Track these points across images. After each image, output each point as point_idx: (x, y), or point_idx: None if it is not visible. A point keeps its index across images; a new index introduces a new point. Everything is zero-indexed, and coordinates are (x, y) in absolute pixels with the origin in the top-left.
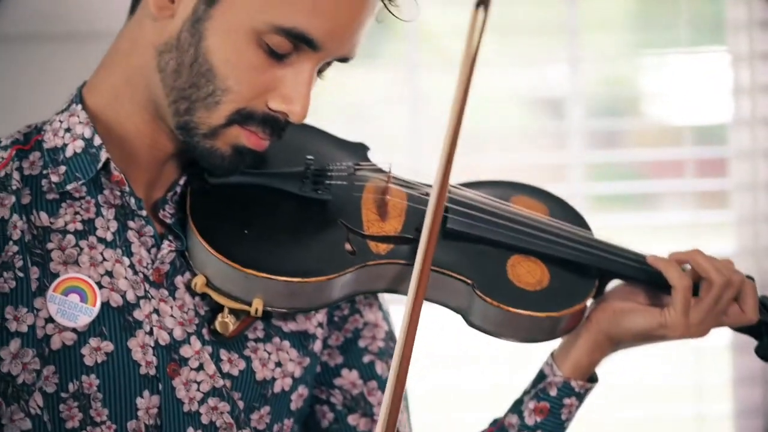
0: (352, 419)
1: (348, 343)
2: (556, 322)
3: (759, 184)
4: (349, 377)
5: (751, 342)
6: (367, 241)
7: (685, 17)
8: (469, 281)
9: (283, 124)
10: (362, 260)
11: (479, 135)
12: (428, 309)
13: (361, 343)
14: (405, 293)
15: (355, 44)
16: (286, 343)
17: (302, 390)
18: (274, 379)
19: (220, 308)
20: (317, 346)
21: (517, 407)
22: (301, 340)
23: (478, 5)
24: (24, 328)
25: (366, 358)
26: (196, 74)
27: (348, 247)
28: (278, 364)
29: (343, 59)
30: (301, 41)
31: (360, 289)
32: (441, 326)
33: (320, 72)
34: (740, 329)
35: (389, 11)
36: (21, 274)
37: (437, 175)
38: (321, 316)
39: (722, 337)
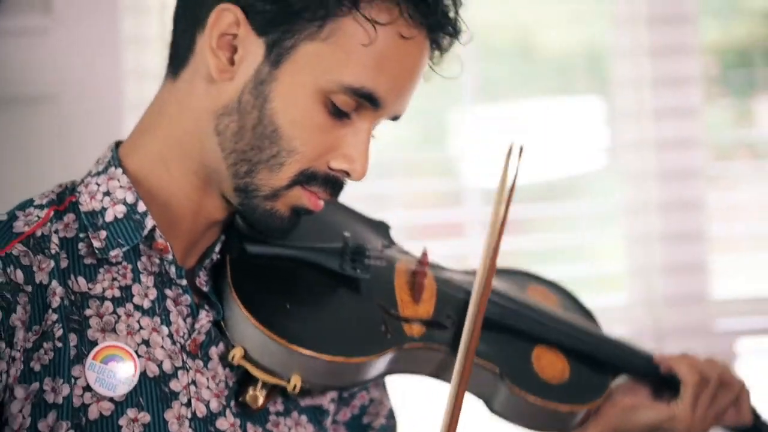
0: None
1: (354, 419)
2: (574, 415)
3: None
4: None
5: None
6: (402, 323)
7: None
8: (497, 370)
9: (342, 183)
10: (398, 342)
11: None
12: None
13: (366, 420)
14: (434, 376)
15: (408, 102)
16: (304, 418)
17: None
18: None
19: (249, 382)
20: (329, 421)
21: None
22: (316, 415)
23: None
24: (60, 400)
25: None
26: (260, 136)
27: (384, 328)
28: None
29: (395, 117)
30: (366, 99)
31: (392, 369)
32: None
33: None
34: (734, 429)
35: (434, 70)
36: (59, 344)
37: (481, 269)
38: (334, 393)
39: None
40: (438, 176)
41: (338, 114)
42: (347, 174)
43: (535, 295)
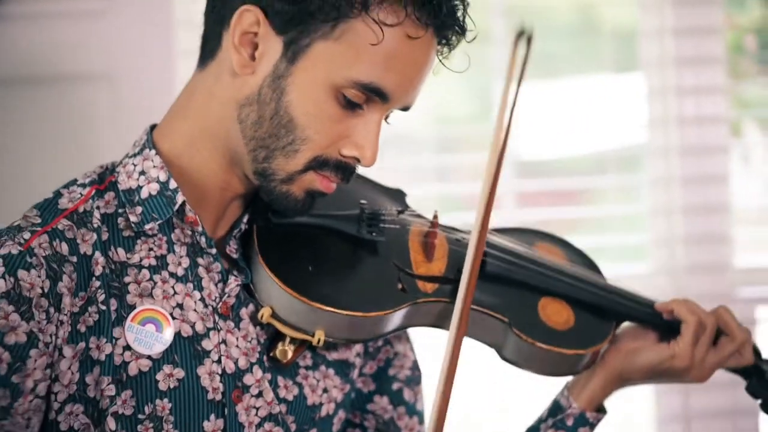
0: None
1: (380, 372)
2: (581, 359)
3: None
4: (381, 403)
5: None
6: (416, 280)
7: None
8: (505, 319)
9: (353, 168)
10: (413, 298)
11: None
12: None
13: (391, 372)
14: (436, 326)
15: (417, 94)
16: (331, 371)
17: (341, 414)
18: (321, 404)
19: (278, 338)
20: (355, 374)
21: None
22: (343, 369)
23: (519, 36)
24: (102, 357)
25: (395, 386)
26: (277, 125)
27: (400, 285)
28: (325, 390)
29: (405, 108)
30: (375, 94)
31: (407, 324)
32: None
33: (386, 118)
34: (733, 370)
35: (443, 65)
36: (103, 308)
37: (476, 220)
38: (359, 347)
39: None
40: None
41: (350, 105)
42: (357, 160)
43: (542, 250)
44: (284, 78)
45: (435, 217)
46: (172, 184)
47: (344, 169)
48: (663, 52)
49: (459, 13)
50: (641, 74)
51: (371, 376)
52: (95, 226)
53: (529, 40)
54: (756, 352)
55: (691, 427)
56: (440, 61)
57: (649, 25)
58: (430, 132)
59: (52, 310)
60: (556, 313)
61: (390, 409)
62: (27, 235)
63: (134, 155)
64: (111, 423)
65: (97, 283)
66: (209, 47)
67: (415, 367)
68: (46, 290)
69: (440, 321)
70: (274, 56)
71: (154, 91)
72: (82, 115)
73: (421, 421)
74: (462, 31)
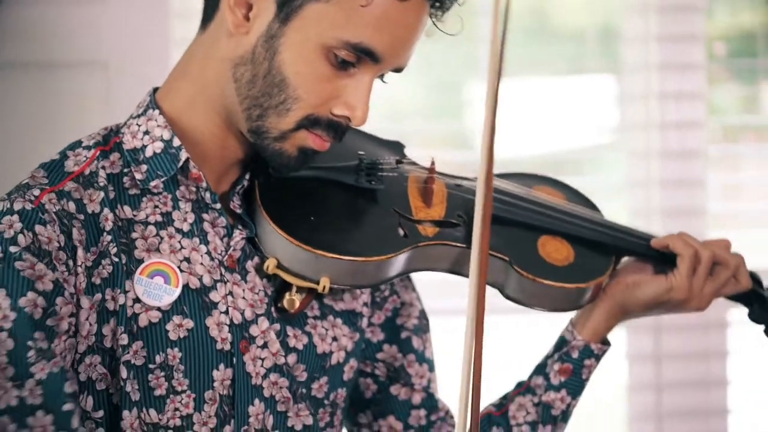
0: (393, 389)
1: (388, 321)
2: (582, 293)
3: None
4: (390, 351)
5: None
6: (417, 225)
7: None
8: (506, 258)
9: (345, 127)
10: (414, 242)
11: None
12: None
13: (399, 321)
14: (449, 272)
15: (409, 56)
16: (339, 320)
17: (353, 362)
18: (331, 353)
19: (285, 289)
20: (364, 323)
21: (541, 370)
22: (351, 318)
23: None
24: (117, 308)
25: (404, 334)
26: (269, 84)
27: (401, 230)
28: (334, 339)
29: (397, 69)
30: (365, 54)
31: (411, 268)
32: None
33: (381, 77)
34: (733, 297)
35: (437, 27)
36: (116, 260)
37: (482, 167)
38: (366, 297)
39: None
40: (454, 148)
41: (342, 65)
42: (348, 119)
43: (540, 192)
44: (277, 38)
45: (432, 163)
46: (176, 142)
47: (336, 128)
48: (642, 57)
49: None
50: (611, 77)
51: (380, 325)
52: (101, 185)
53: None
54: (755, 279)
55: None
56: (434, 23)
57: (630, 29)
58: (382, 126)
59: (70, 262)
60: (555, 250)
61: (400, 357)
62: (37, 192)
63: (138, 116)
64: (123, 371)
65: (109, 238)
66: (208, 10)
67: (422, 315)
68: (62, 244)
69: (443, 264)
70: (268, 16)
71: (148, 80)
72: (77, 101)
73: (432, 369)
74: None
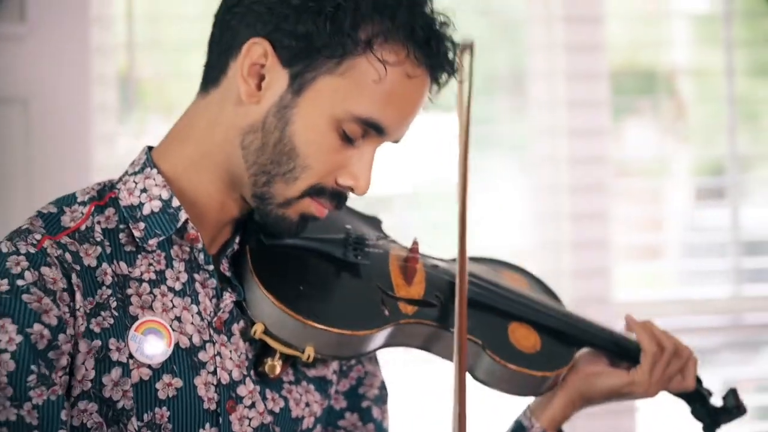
0: None
1: (351, 390)
2: (545, 380)
3: None
4: (351, 419)
5: None
6: (398, 302)
7: None
8: (479, 342)
9: (346, 197)
10: (395, 319)
11: None
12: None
13: (361, 390)
14: (423, 349)
15: (407, 130)
16: (312, 386)
17: (319, 428)
18: (303, 417)
19: (265, 354)
20: (332, 390)
21: None
22: (322, 385)
23: (463, 49)
24: (123, 359)
25: (365, 404)
26: (279, 153)
27: (384, 307)
28: (307, 405)
29: (396, 141)
30: (372, 128)
31: (388, 343)
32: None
33: None
34: (678, 395)
35: (431, 102)
36: (116, 313)
37: (458, 258)
38: (336, 365)
39: None
40: None
41: (347, 139)
42: (351, 189)
43: (508, 279)
44: (289, 108)
45: (415, 243)
46: (175, 202)
47: (339, 197)
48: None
49: (450, 55)
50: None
51: (343, 393)
52: (98, 240)
53: (471, 50)
54: (698, 380)
55: None
56: (429, 99)
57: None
58: None
59: (71, 304)
60: (524, 337)
61: (360, 425)
62: (38, 236)
63: (134, 173)
64: (134, 423)
65: (109, 291)
66: (213, 75)
67: (382, 386)
68: (64, 286)
69: (417, 341)
70: (280, 87)
71: (67, 116)
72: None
73: None
74: (453, 71)
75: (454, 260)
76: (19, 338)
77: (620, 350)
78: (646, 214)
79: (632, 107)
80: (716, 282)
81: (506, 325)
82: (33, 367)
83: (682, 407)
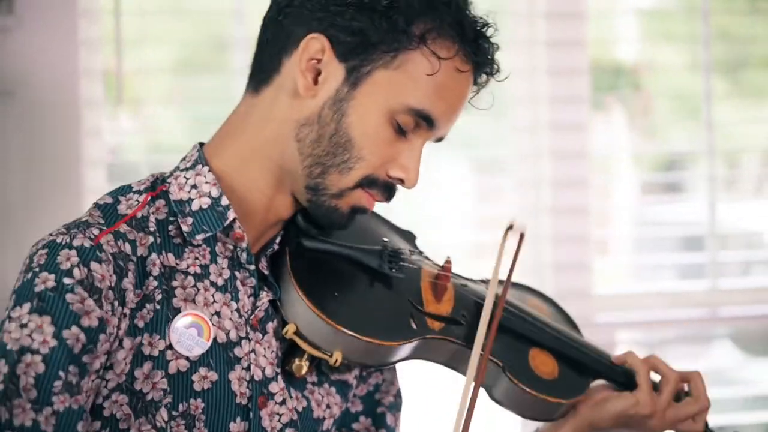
0: None
1: (368, 395)
2: (559, 407)
3: None
4: (365, 423)
5: None
6: (426, 317)
7: None
8: (500, 364)
9: (395, 189)
10: (423, 333)
11: None
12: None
13: (377, 396)
14: (446, 365)
15: (451, 127)
16: (333, 389)
17: (333, 430)
18: (324, 419)
19: (292, 354)
20: (351, 394)
21: None
22: (343, 389)
23: (509, 229)
24: (156, 353)
25: (379, 410)
26: (335, 144)
27: (412, 320)
28: (328, 407)
29: (439, 139)
30: (423, 120)
31: (413, 355)
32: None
33: None
34: None
35: (470, 103)
36: (158, 306)
37: (491, 286)
38: (357, 370)
39: None
40: None
41: (400, 131)
42: (401, 181)
43: (532, 305)
44: (346, 101)
45: (447, 261)
46: (224, 201)
47: (389, 189)
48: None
49: (490, 55)
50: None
51: (360, 397)
52: (152, 230)
53: (521, 237)
54: (705, 425)
55: None
56: (469, 101)
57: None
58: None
59: (116, 303)
60: (543, 363)
61: (373, 429)
62: (96, 231)
63: (186, 169)
64: (164, 414)
65: (155, 283)
66: (265, 73)
67: (398, 394)
68: (113, 284)
69: (441, 357)
70: (336, 81)
71: (56, 108)
72: None
73: None
74: (495, 70)
75: (483, 281)
76: (54, 342)
77: (630, 383)
78: (617, 209)
79: (601, 103)
80: (696, 275)
81: (527, 350)
82: (61, 373)
83: None
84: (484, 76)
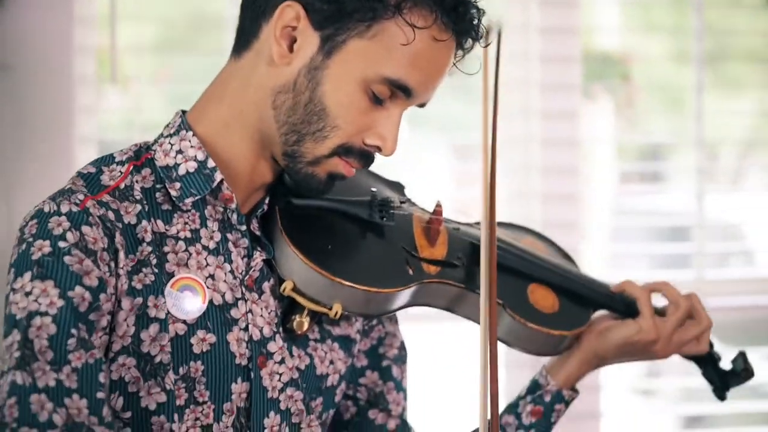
0: (371, 413)
1: (372, 349)
2: (563, 340)
3: None
4: (372, 377)
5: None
6: (421, 262)
7: None
8: (500, 301)
9: (373, 156)
10: (420, 278)
11: None
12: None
13: (381, 350)
14: (446, 309)
15: (433, 93)
16: (336, 345)
17: (343, 386)
18: (327, 375)
19: (292, 311)
20: (355, 349)
21: (513, 409)
22: (346, 343)
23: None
24: (162, 315)
25: (384, 363)
26: (309, 113)
27: (408, 266)
28: (331, 362)
29: (421, 105)
30: (399, 89)
31: (413, 302)
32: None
33: None
34: (690, 357)
35: (457, 68)
36: (156, 270)
37: (484, 215)
38: (359, 324)
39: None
40: None
41: (376, 100)
42: (378, 149)
43: (528, 243)
44: (320, 70)
45: (438, 205)
46: (210, 163)
47: (366, 157)
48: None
49: (476, 21)
50: None
51: (364, 352)
52: (137, 198)
53: (498, 34)
54: (710, 344)
55: None
56: (454, 65)
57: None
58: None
59: (112, 264)
60: (543, 297)
61: (380, 383)
62: (81, 197)
63: (170, 135)
64: (172, 376)
65: (149, 248)
66: (245, 38)
67: (402, 347)
68: (105, 245)
69: (441, 301)
70: (311, 49)
71: (50, 84)
72: None
73: (406, 397)
74: (478, 37)
75: (476, 224)
76: (60, 302)
77: (632, 311)
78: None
79: (589, 91)
80: (681, 265)
81: (526, 286)
82: (73, 330)
83: (646, 413)
84: (469, 41)
